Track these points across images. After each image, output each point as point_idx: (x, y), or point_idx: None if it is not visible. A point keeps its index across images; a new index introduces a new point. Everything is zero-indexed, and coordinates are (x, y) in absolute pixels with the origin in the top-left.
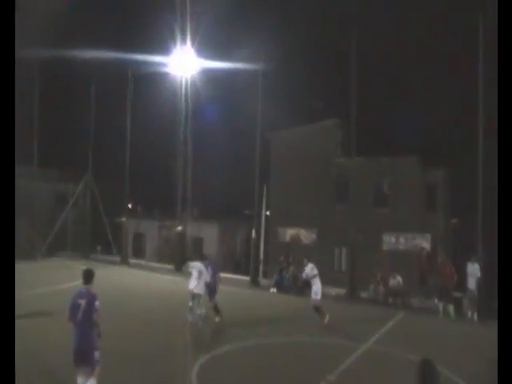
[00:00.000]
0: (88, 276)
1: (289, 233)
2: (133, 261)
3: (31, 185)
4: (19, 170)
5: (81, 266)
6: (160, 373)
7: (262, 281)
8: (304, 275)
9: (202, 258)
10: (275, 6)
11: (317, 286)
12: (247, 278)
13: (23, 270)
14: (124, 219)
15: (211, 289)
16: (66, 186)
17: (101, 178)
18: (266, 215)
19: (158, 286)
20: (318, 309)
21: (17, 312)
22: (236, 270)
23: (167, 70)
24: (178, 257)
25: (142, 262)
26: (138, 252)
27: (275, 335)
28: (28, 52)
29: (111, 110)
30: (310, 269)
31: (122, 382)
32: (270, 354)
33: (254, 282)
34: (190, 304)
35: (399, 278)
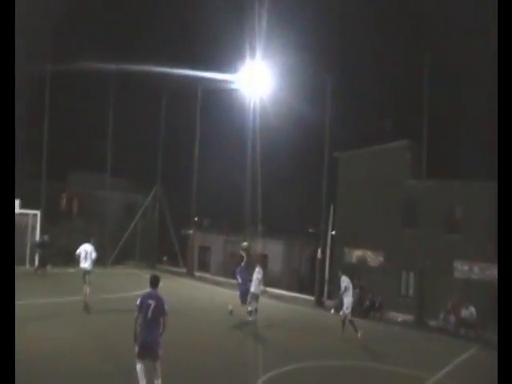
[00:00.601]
0: (155, 281)
1: (355, 254)
2: (198, 273)
3: (103, 194)
4: (92, 178)
5: (147, 275)
6: None
7: (327, 301)
8: (342, 288)
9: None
10: (347, 24)
11: (348, 300)
12: (312, 298)
13: (98, 276)
14: (191, 232)
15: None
16: (135, 196)
17: (169, 190)
18: (332, 235)
19: (222, 300)
20: (351, 322)
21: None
22: (300, 289)
23: (236, 86)
24: None
25: (207, 276)
26: (204, 265)
27: (336, 357)
28: (102, 65)
29: (181, 123)
30: (343, 282)
31: None
32: (329, 376)
33: (319, 303)
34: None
35: (472, 309)
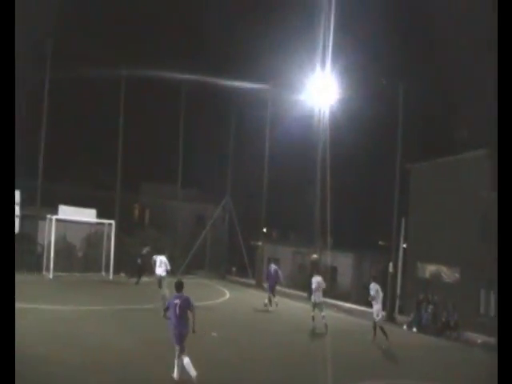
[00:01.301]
0: (179, 286)
1: (429, 269)
2: (267, 285)
3: (174, 204)
4: (163, 189)
5: (218, 285)
6: None
7: (399, 317)
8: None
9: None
10: (417, 33)
11: (376, 308)
12: (382, 313)
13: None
14: (260, 243)
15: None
16: (205, 207)
17: (239, 201)
18: (404, 248)
19: (289, 312)
20: (381, 329)
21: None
22: (371, 304)
23: (306, 96)
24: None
25: (276, 287)
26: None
27: (408, 376)
28: (173, 77)
29: (250, 135)
30: (372, 289)
31: None
32: None
33: (390, 318)
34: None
35: None
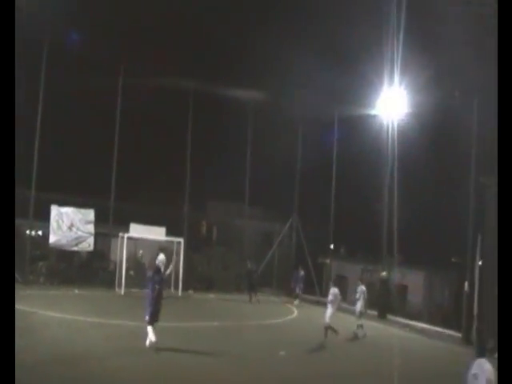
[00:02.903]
0: (159, 271)
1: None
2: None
3: (241, 222)
4: (230, 207)
5: (287, 303)
6: None
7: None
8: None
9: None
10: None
11: (330, 311)
12: (458, 335)
13: (236, 302)
14: (328, 261)
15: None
16: (272, 225)
17: (306, 219)
18: (480, 266)
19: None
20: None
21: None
22: (445, 324)
23: (374, 111)
24: (381, 303)
25: (345, 305)
26: (340, 295)
27: None
28: (238, 95)
29: (317, 151)
30: (331, 295)
31: None
32: None
33: (467, 340)
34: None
35: None
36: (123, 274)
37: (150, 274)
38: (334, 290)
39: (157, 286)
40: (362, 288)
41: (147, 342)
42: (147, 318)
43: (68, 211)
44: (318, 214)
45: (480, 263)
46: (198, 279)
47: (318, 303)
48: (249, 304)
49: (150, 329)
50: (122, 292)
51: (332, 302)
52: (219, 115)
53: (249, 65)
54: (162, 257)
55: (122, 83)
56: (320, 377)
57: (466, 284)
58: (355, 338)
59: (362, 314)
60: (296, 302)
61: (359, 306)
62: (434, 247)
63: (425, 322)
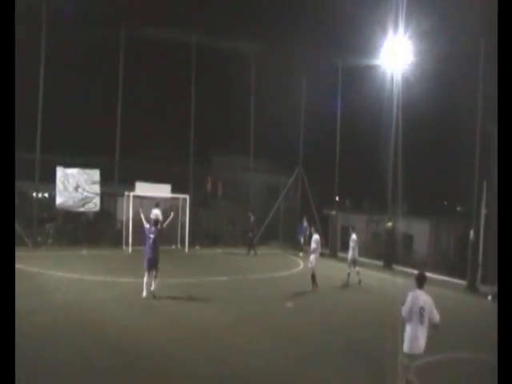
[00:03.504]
0: (157, 222)
1: None
2: (340, 254)
3: (246, 176)
4: (235, 161)
5: (293, 255)
6: (370, 373)
7: (481, 287)
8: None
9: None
10: None
11: (313, 256)
12: (463, 282)
13: (242, 256)
14: (334, 212)
15: None
16: (277, 177)
17: (311, 171)
18: (485, 214)
19: (367, 281)
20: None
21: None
22: (450, 272)
23: (378, 61)
24: (387, 253)
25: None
26: (346, 246)
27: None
28: (241, 47)
29: (322, 102)
30: (314, 242)
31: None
32: (481, 371)
33: (472, 288)
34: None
35: None
36: (130, 232)
37: (147, 226)
38: (315, 237)
39: (151, 236)
40: (354, 237)
41: (144, 294)
42: (144, 265)
43: (73, 172)
44: (323, 165)
45: (485, 211)
46: (205, 234)
47: (323, 255)
48: (254, 257)
49: (145, 278)
50: (130, 250)
51: (315, 249)
52: (222, 68)
53: (251, 15)
54: (156, 211)
55: (123, 37)
56: (326, 326)
57: (472, 232)
58: (346, 285)
59: (354, 262)
60: (301, 254)
61: (351, 253)
62: (440, 196)
63: (430, 270)
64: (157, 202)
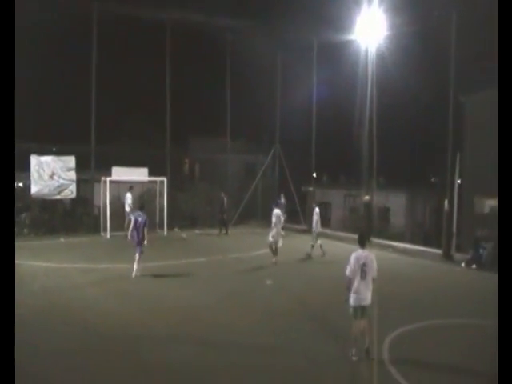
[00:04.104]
0: (142, 207)
1: (487, 204)
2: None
3: (223, 157)
4: (212, 142)
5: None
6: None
7: (456, 255)
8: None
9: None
10: None
11: (273, 231)
12: (438, 251)
13: (220, 237)
14: (311, 189)
15: None
16: (255, 157)
17: (288, 149)
18: (459, 184)
19: (344, 255)
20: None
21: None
22: (426, 242)
23: (352, 36)
24: (365, 226)
25: (328, 231)
26: (324, 221)
27: (466, 315)
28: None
29: (297, 79)
30: (275, 217)
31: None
32: (458, 335)
33: (447, 256)
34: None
35: None
36: (108, 218)
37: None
38: (276, 212)
39: (139, 219)
40: (317, 210)
41: (133, 273)
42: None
43: (48, 160)
44: (300, 143)
45: (459, 182)
46: (183, 217)
47: (303, 232)
48: (225, 237)
49: (137, 253)
50: (108, 236)
51: (276, 223)
52: (197, 48)
53: None
54: (128, 195)
55: (95, 17)
56: (305, 303)
57: (446, 202)
58: (308, 257)
59: (317, 235)
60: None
61: (314, 226)
62: (415, 169)
63: (407, 241)
64: (130, 186)
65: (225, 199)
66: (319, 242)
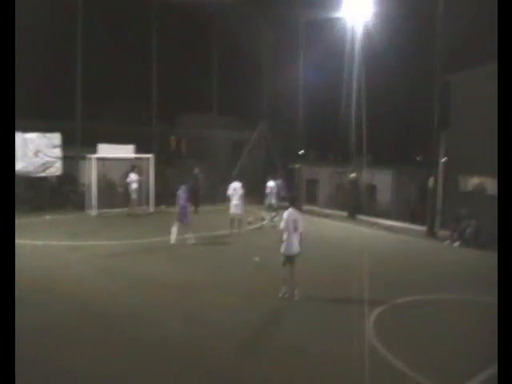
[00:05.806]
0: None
1: (471, 182)
2: (306, 207)
3: (210, 133)
4: (199, 118)
5: (257, 210)
6: (336, 320)
7: (440, 232)
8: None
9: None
10: None
11: (233, 203)
12: (423, 229)
13: (206, 212)
14: (298, 165)
15: None
16: (242, 133)
17: (275, 125)
18: (444, 162)
19: (331, 232)
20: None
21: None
22: (411, 219)
23: (340, 14)
24: (351, 204)
25: (315, 208)
26: (311, 198)
27: (449, 290)
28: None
29: (284, 57)
30: (230, 189)
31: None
32: (442, 310)
33: (431, 233)
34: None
35: None
36: (94, 195)
37: None
38: (234, 185)
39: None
40: (271, 183)
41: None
42: None
43: (33, 137)
44: (287, 119)
45: (443, 160)
46: (170, 194)
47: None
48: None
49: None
50: (95, 213)
51: (232, 195)
52: (184, 24)
53: None
54: (131, 175)
55: None
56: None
57: (431, 180)
58: (261, 227)
59: (271, 207)
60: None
61: (267, 199)
62: (401, 147)
63: (393, 219)
64: (132, 165)
65: (199, 176)
66: (273, 214)
